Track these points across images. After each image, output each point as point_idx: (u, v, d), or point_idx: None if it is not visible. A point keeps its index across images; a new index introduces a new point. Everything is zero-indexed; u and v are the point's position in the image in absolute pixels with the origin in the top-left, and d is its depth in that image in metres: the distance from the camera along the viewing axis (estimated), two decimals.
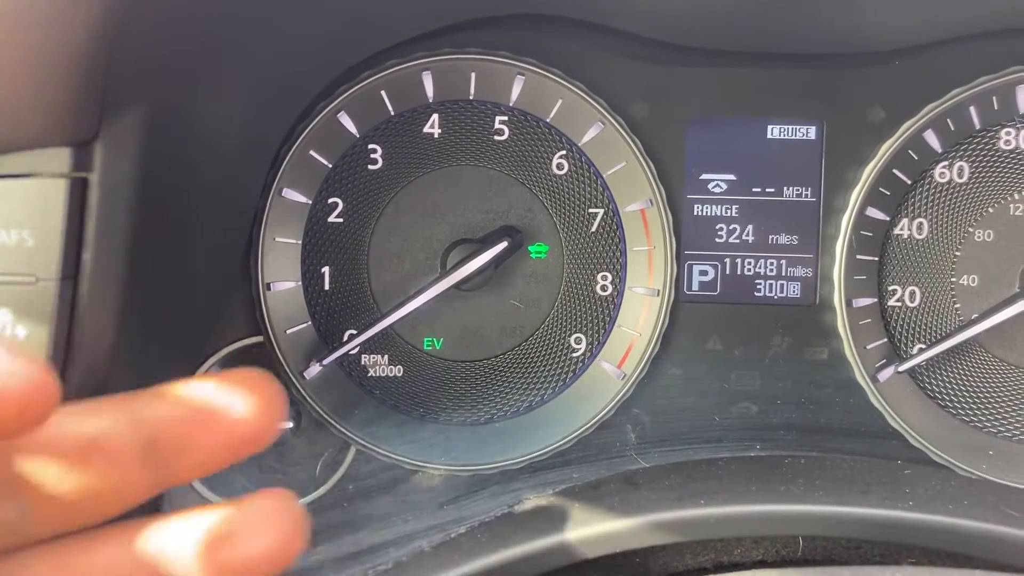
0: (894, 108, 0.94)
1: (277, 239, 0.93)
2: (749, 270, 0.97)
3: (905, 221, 0.95)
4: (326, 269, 0.95)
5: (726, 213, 0.97)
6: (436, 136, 0.95)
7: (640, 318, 0.96)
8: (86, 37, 0.57)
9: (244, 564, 0.60)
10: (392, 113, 0.94)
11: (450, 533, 0.81)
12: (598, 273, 0.97)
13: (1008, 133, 0.94)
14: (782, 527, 0.72)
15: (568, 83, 0.93)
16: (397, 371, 0.97)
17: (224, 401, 0.61)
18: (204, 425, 0.60)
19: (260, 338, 0.94)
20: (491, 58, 0.93)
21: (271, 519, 0.61)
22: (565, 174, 0.96)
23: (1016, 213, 0.94)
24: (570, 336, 0.97)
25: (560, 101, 0.94)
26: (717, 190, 0.97)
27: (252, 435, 0.61)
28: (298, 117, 0.92)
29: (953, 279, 0.95)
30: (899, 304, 0.96)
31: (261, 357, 0.93)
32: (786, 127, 0.96)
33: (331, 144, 0.93)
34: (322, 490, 0.95)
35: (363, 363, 0.96)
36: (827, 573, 0.61)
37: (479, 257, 0.91)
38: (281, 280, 0.94)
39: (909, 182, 0.95)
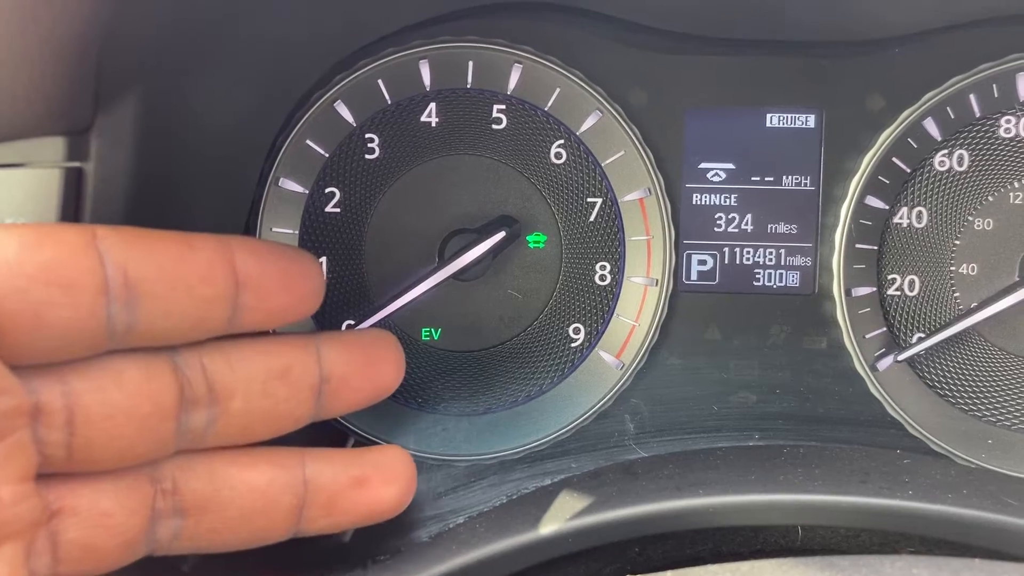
0: (893, 96, 0.94)
1: (274, 229, 0.93)
2: (748, 259, 0.97)
3: (904, 210, 0.95)
4: (323, 259, 0.95)
5: (725, 202, 0.97)
6: (434, 125, 0.94)
7: (639, 308, 0.96)
8: (81, 25, 0.56)
9: (372, 507, 0.72)
10: (389, 102, 0.94)
11: (448, 523, 0.81)
12: (596, 263, 0.96)
13: (1008, 121, 0.94)
14: (781, 516, 0.72)
15: (566, 71, 0.93)
16: None
17: (380, 354, 0.75)
18: (363, 371, 0.73)
19: None
20: (488, 46, 0.93)
21: (398, 471, 0.74)
22: (563, 163, 0.95)
23: (1016, 201, 0.94)
24: (568, 326, 0.97)
25: (558, 89, 0.94)
26: (716, 179, 0.96)
27: (388, 386, 0.76)
28: (295, 106, 0.92)
29: (952, 268, 0.95)
30: (898, 293, 0.96)
31: None
32: (785, 115, 0.96)
33: (328, 133, 0.93)
34: None
35: None
36: (826, 562, 0.61)
37: (477, 247, 0.91)
38: None
39: (908, 171, 0.94)
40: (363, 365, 0.73)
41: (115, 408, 0.59)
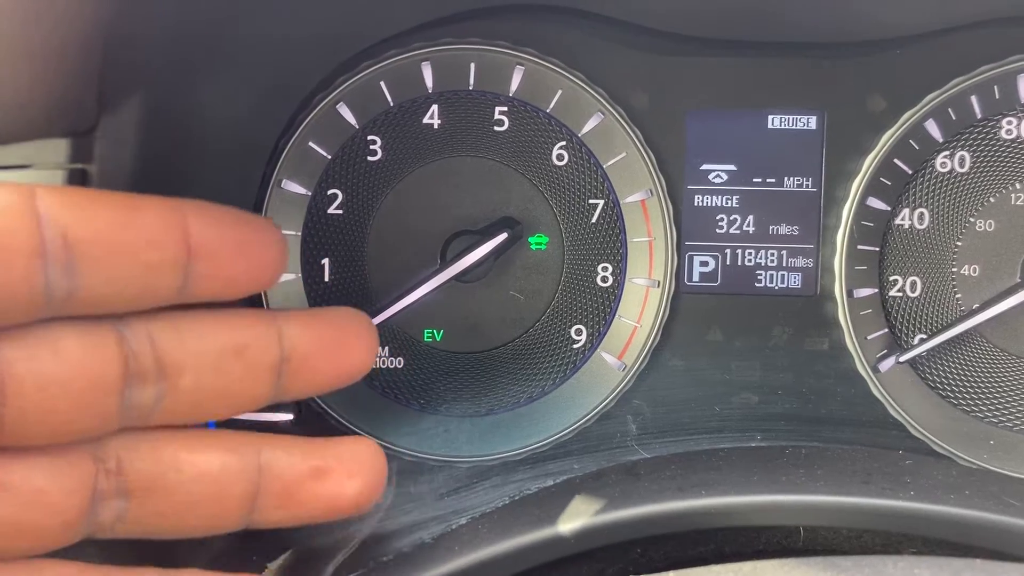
0: (895, 97, 0.94)
1: None
2: (750, 261, 0.97)
3: (906, 211, 0.95)
4: (326, 261, 0.95)
5: (727, 204, 0.97)
6: (436, 127, 0.95)
7: (641, 309, 0.96)
8: (84, 27, 0.57)
9: (332, 501, 0.68)
10: (391, 104, 0.94)
11: (451, 524, 0.81)
12: (598, 264, 0.97)
13: (1010, 122, 0.94)
14: (783, 517, 0.72)
15: (568, 73, 0.93)
16: (397, 363, 0.96)
17: (348, 334, 0.69)
18: (327, 352, 0.68)
19: None
20: (490, 48, 0.93)
21: (364, 464, 0.69)
22: (565, 165, 0.96)
23: (1017, 203, 0.94)
24: (570, 327, 0.97)
25: (560, 91, 0.94)
26: (718, 180, 0.97)
27: (356, 367, 0.70)
28: (297, 108, 0.92)
29: (954, 269, 0.95)
30: (900, 294, 0.96)
31: None
32: (787, 117, 0.96)
33: (330, 135, 0.93)
34: None
35: None
36: (828, 563, 0.61)
37: (479, 248, 0.91)
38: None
39: (910, 172, 0.94)
40: (329, 345, 0.68)
41: (50, 379, 0.55)
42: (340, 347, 0.68)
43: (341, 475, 0.67)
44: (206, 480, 0.63)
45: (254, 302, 0.92)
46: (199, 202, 0.60)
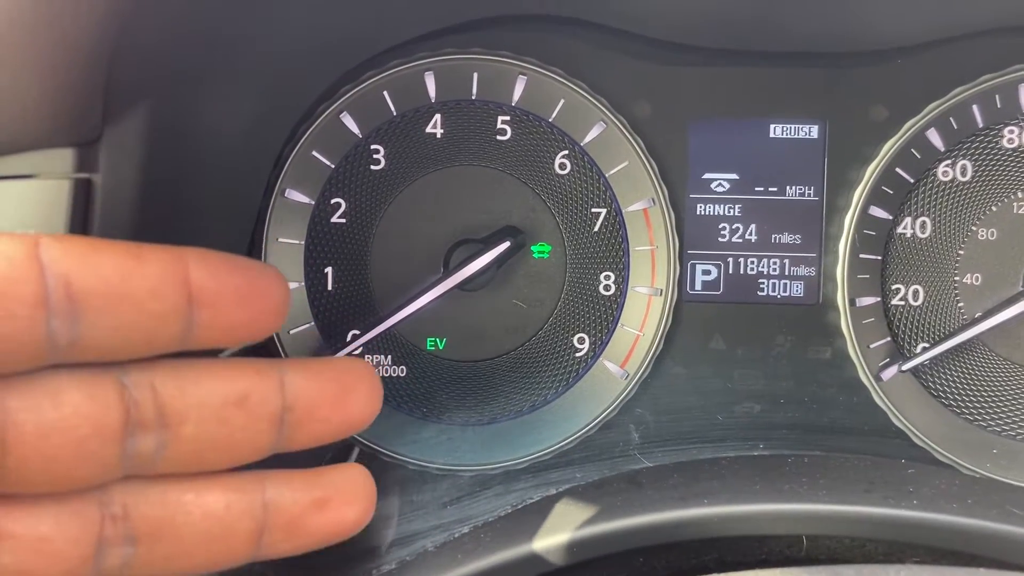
0: (897, 107, 0.94)
1: (280, 240, 0.93)
2: (752, 269, 0.97)
3: (908, 220, 0.95)
4: (329, 269, 0.95)
5: (729, 212, 0.97)
6: (438, 136, 0.95)
7: (643, 318, 0.96)
8: (90, 39, 0.57)
9: (333, 528, 0.69)
10: (394, 113, 0.94)
11: (453, 533, 0.81)
12: (601, 273, 0.97)
13: (1011, 132, 0.94)
14: (786, 526, 0.72)
15: (570, 83, 0.93)
16: (400, 371, 0.97)
17: (352, 384, 0.70)
18: (332, 402, 0.68)
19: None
20: (493, 58, 0.93)
21: (359, 491, 0.71)
22: (567, 174, 0.96)
23: (1019, 212, 0.94)
24: (573, 336, 0.97)
25: (562, 101, 0.94)
26: (720, 189, 0.97)
27: (360, 419, 0.70)
28: (301, 118, 0.92)
29: (956, 278, 0.95)
30: (902, 303, 0.96)
31: (264, 357, 0.93)
32: (788, 126, 0.96)
33: (334, 144, 0.94)
34: None
35: None
36: (831, 572, 0.61)
37: (482, 257, 0.91)
38: None
39: (912, 181, 0.95)
40: (332, 395, 0.69)
41: (51, 428, 0.56)
42: (344, 397, 0.69)
43: (340, 503, 0.69)
44: (213, 520, 0.64)
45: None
46: (201, 250, 0.61)
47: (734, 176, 0.97)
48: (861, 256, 0.95)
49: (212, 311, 0.60)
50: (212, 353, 0.64)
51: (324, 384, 0.68)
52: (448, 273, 0.92)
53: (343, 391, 0.69)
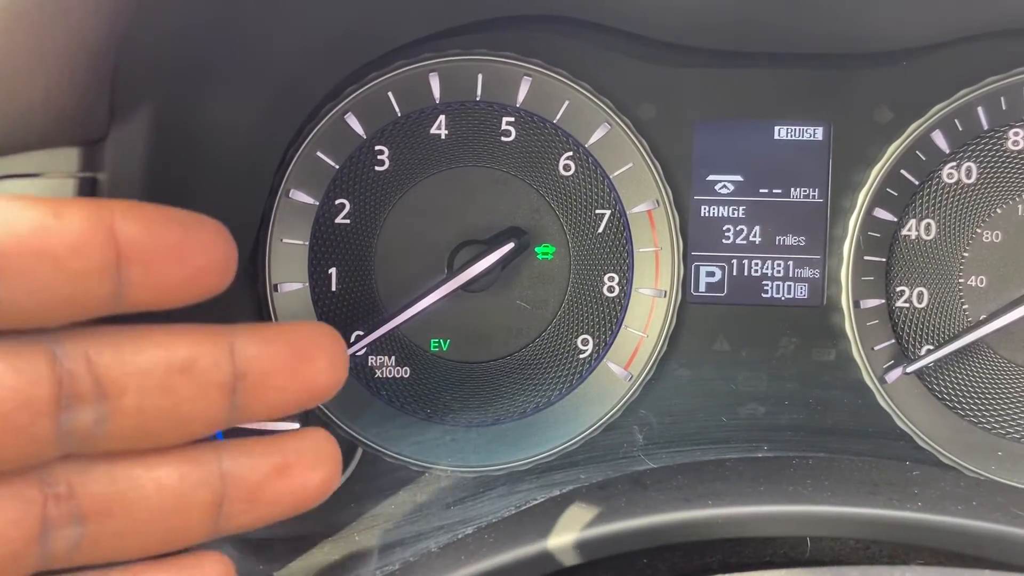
0: (901, 109, 0.94)
1: (284, 240, 0.93)
2: (756, 271, 0.97)
3: (913, 222, 0.95)
4: (333, 270, 0.95)
5: (733, 214, 0.97)
6: (443, 137, 0.95)
7: (647, 319, 0.96)
8: (96, 38, 0.57)
9: (297, 495, 0.64)
10: (399, 114, 0.94)
11: (457, 534, 0.81)
12: (605, 274, 0.97)
13: (1016, 134, 0.94)
14: (790, 528, 0.72)
15: (575, 84, 0.94)
16: (404, 372, 0.97)
17: (311, 348, 0.63)
18: (289, 368, 0.62)
19: None
20: (498, 59, 0.93)
21: (322, 455, 0.66)
22: (572, 175, 0.96)
23: None
24: (577, 337, 0.97)
25: (567, 102, 0.94)
26: (724, 191, 0.97)
27: (322, 386, 0.64)
28: (305, 118, 0.92)
29: (961, 280, 0.95)
30: (907, 305, 0.96)
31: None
32: (793, 128, 0.96)
33: (338, 145, 0.94)
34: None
35: (370, 364, 0.96)
36: (835, 573, 0.61)
37: (486, 258, 0.91)
38: (288, 281, 0.94)
39: (917, 183, 0.95)
40: (289, 361, 0.62)
41: None
42: (302, 363, 0.63)
43: (303, 468, 0.64)
44: (166, 494, 0.60)
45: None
46: (128, 202, 0.56)
47: (738, 178, 0.97)
48: (865, 258, 0.94)
49: (144, 268, 0.55)
50: (156, 318, 0.61)
51: (279, 349, 0.62)
52: (452, 274, 0.92)
53: (300, 357, 0.63)
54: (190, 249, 0.58)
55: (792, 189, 0.97)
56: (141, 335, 0.58)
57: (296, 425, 0.92)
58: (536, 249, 0.96)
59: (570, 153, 0.96)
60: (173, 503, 0.60)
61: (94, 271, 0.54)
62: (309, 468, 0.65)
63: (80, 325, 0.56)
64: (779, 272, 0.97)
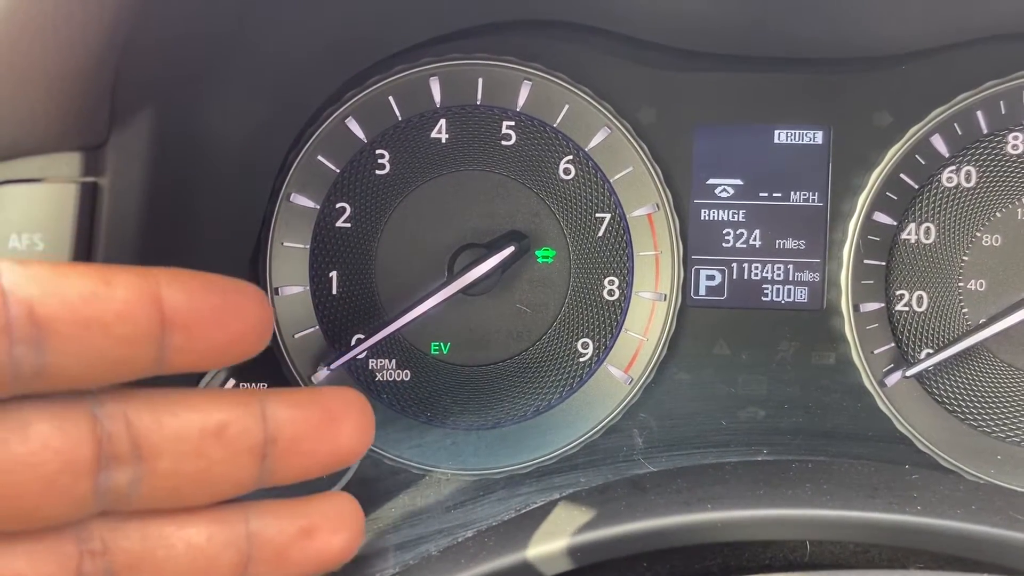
0: (901, 113, 0.94)
1: (285, 244, 0.94)
2: (756, 275, 0.97)
3: (912, 226, 0.95)
4: (334, 274, 0.95)
5: (733, 218, 0.97)
6: (443, 141, 0.95)
7: (647, 323, 0.96)
8: (97, 44, 0.57)
9: (321, 557, 0.67)
10: (400, 118, 0.94)
11: (457, 537, 0.81)
12: (605, 278, 0.97)
13: (1016, 137, 0.94)
14: (789, 531, 0.72)
15: (575, 88, 0.94)
16: (404, 375, 0.97)
17: (339, 414, 0.66)
18: (318, 433, 0.65)
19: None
20: (498, 63, 0.93)
21: (345, 519, 0.68)
22: (572, 179, 0.96)
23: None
24: (577, 341, 0.97)
25: (567, 106, 0.94)
26: (724, 195, 0.97)
27: (350, 450, 0.66)
28: (306, 122, 0.93)
29: (961, 284, 0.95)
30: (906, 309, 0.96)
31: (269, 361, 0.93)
32: (793, 132, 0.96)
33: (339, 149, 0.94)
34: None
35: (370, 367, 0.96)
36: None
37: (486, 262, 0.92)
38: (289, 284, 0.94)
39: (916, 187, 0.95)
40: (318, 426, 0.65)
41: (18, 463, 0.53)
42: (331, 428, 0.65)
43: (328, 532, 0.67)
44: (195, 553, 0.62)
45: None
46: (174, 270, 0.58)
47: (738, 181, 0.97)
48: (865, 262, 0.95)
49: (186, 334, 0.57)
50: (192, 380, 0.63)
51: (309, 414, 0.64)
52: (452, 278, 0.92)
53: (330, 422, 0.65)
54: (230, 315, 0.60)
55: (792, 193, 0.97)
56: (178, 398, 0.60)
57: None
58: (536, 253, 0.96)
59: (570, 157, 0.96)
60: (202, 562, 0.62)
61: (140, 337, 0.56)
62: (333, 531, 0.67)
63: (119, 386, 0.58)
64: (779, 276, 0.97)
